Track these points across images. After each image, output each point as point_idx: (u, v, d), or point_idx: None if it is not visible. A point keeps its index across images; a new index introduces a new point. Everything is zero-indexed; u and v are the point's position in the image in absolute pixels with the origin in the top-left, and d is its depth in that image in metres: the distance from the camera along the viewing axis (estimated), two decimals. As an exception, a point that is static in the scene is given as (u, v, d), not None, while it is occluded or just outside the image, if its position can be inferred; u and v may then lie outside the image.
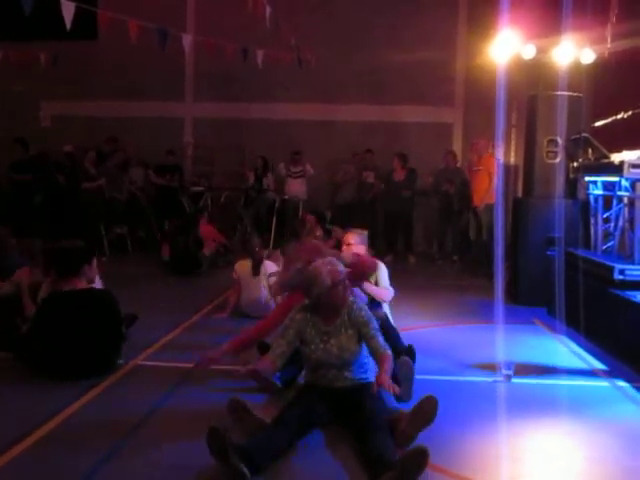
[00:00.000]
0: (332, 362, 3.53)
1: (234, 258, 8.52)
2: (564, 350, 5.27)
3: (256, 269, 6.07)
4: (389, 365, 3.42)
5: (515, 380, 4.32)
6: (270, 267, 6.07)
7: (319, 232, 7.29)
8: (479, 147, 8.95)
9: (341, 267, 3.64)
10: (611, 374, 4.60)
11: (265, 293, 6.03)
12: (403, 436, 3.23)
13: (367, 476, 2.93)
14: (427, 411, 3.26)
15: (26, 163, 9.63)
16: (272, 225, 10.71)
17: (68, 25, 5.64)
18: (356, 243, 5.11)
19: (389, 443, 3.08)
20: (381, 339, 3.56)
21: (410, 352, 4.26)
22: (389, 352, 3.51)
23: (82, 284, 4.40)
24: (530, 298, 6.70)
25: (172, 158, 11.02)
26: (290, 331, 3.60)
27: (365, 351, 3.61)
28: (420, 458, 2.79)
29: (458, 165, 10.45)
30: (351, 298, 3.69)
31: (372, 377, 3.66)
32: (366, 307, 3.71)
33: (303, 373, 3.89)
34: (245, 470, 2.80)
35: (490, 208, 8.38)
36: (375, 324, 3.61)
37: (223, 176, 11.69)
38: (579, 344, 5.35)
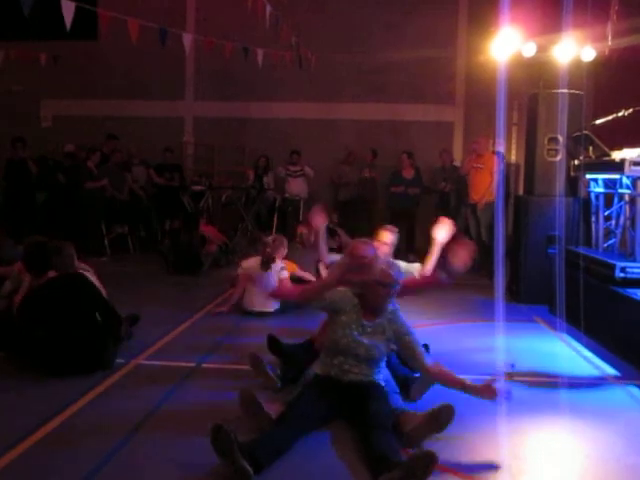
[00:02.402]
0: (358, 353, 3.54)
1: (236, 258, 8.57)
2: (565, 348, 5.27)
3: (266, 265, 6.03)
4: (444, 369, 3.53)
5: (516, 378, 4.32)
6: (279, 264, 6.08)
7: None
8: (479, 145, 8.93)
9: (397, 273, 3.59)
10: (612, 372, 4.60)
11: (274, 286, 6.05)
12: (410, 437, 3.23)
13: (370, 474, 2.93)
14: (444, 419, 3.27)
15: (23, 162, 9.66)
16: (273, 224, 10.73)
17: (68, 25, 5.63)
18: (391, 242, 5.00)
19: (393, 443, 3.08)
20: (421, 348, 3.60)
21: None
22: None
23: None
24: (532, 296, 6.70)
25: (170, 155, 11.01)
26: (337, 294, 3.63)
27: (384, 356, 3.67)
28: (427, 462, 2.79)
29: (455, 163, 10.46)
30: (391, 307, 3.67)
31: (382, 380, 3.67)
32: (406, 320, 3.69)
33: (305, 373, 3.89)
34: (248, 468, 2.80)
35: (491, 206, 8.37)
36: (415, 336, 3.62)
37: (224, 175, 11.69)
38: (580, 342, 5.35)
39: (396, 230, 5.00)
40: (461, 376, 3.47)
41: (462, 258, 3.72)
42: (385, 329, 3.58)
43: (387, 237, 4.88)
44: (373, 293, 3.55)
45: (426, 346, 4.37)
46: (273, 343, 4.34)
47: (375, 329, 3.58)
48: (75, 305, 4.33)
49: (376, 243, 4.73)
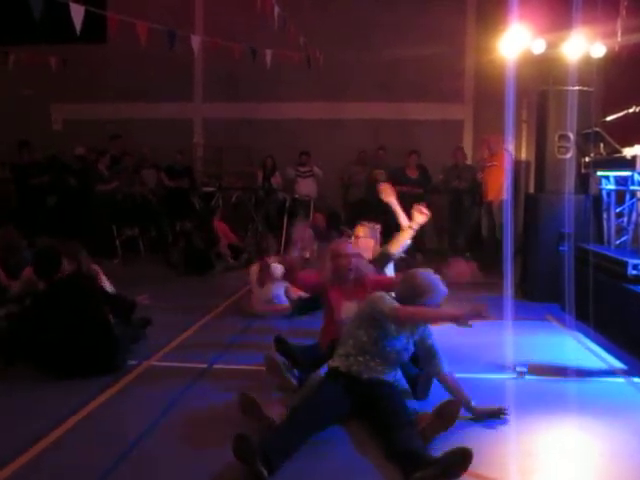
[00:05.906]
0: (389, 358, 3.56)
1: (247, 259, 8.63)
2: (577, 346, 5.25)
3: (261, 280, 6.14)
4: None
5: (528, 377, 4.31)
6: (276, 270, 5.95)
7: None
8: (491, 143, 8.89)
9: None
10: (625, 370, 4.58)
11: (276, 294, 6.12)
12: (423, 436, 3.23)
13: (400, 470, 2.91)
14: (449, 415, 3.30)
15: (33, 166, 9.72)
16: (283, 225, 10.73)
17: (78, 29, 5.65)
18: (365, 236, 5.09)
19: (417, 438, 3.10)
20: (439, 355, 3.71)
21: None
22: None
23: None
24: (543, 294, 6.66)
25: (180, 157, 11.03)
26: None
27: None
28: (464, 459, 2.80)
29: (468, 162, 10.42)
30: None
31: (395, 377, 3.68)
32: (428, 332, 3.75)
33: (310, 376, 3.88)
34: (264, 472, 2.80)
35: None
36: (435, 341, 3.72)
37: (233, 176, 11.70)
38: (593, 340, 5.32)
39: (375, 226, 5.15)
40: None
41: (459, 270, 3.83)
42: (413, 332, 3.63)
43: (362, 232, 5.17)
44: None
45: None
46: (280, 344, 4.34)
47: (407, 336, 3.61)
48: (82, 307, 4.34)
49: (353, 239, 4.90)
